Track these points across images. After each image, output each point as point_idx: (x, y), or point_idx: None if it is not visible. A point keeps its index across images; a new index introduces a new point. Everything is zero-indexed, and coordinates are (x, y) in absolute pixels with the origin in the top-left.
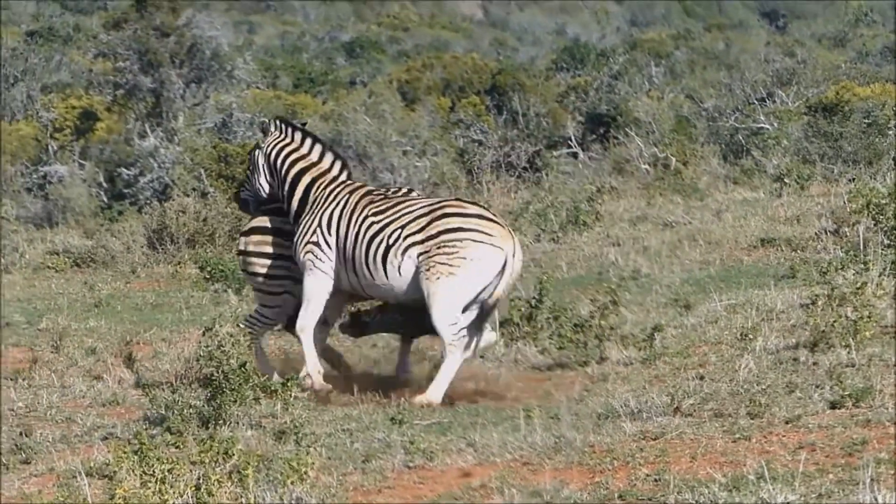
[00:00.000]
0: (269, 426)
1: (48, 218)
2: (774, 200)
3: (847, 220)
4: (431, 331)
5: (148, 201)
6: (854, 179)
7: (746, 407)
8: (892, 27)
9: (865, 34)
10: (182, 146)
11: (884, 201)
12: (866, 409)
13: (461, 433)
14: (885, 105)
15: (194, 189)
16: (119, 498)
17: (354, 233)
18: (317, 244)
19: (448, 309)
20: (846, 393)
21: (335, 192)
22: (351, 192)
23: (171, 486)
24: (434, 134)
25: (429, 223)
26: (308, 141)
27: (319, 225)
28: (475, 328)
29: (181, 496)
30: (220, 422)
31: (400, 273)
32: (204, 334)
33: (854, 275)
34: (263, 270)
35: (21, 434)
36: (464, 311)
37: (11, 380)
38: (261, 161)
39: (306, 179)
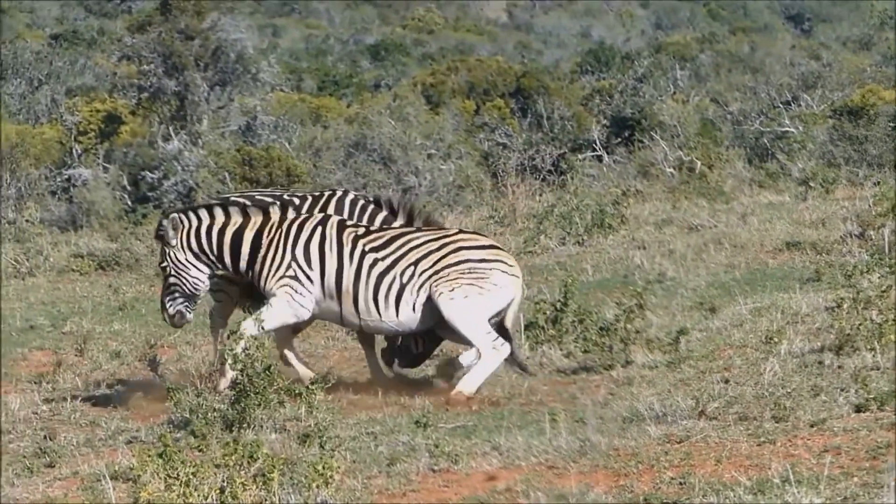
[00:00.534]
0: (294, 429)
1: (72, 221)
2: (799, 204)
3: (872, 223)
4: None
5: (172, 204)
6: (879, 183)
7: (771, 410)
8: None
9: (890, 37)
10: (206, 149)
11: None
12: (891, 412)
13: (486, 436)
14: None
15: (218, 192)
16: (143, 501)
17: (354, 269)
18: (294, 278)
19: (479, 321)
20: (871, 396)
21: (298, 228)
22: (321, 225)
23: (196, 490)
24: (458, 137)
25: (443, 257)
26: (219, 210)
27: (294, 260)
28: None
29: (205, 499)
30: (245, 425)
31: (414, 310)
32: (228, 337)
33: (879, 278)
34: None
35: (45, 437)
36: None
37: (35, 383)
38: (183, 257)
39: (248, 235)
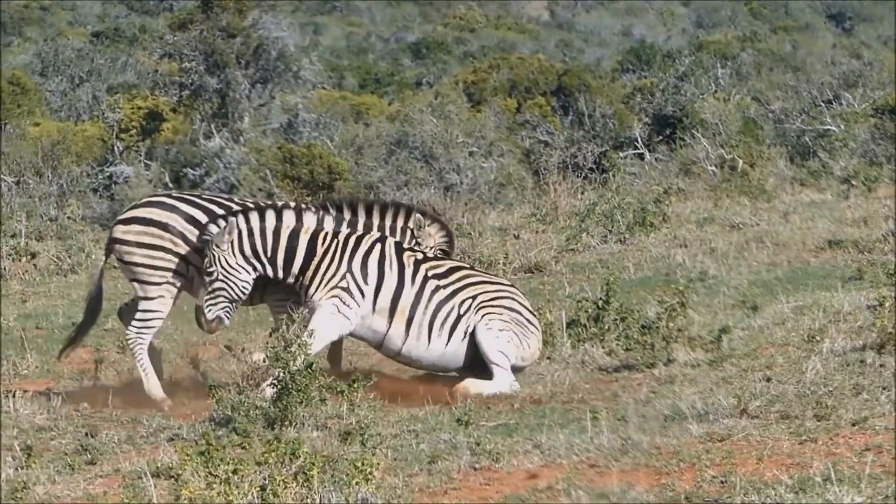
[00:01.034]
0: (335, 427)
1: (114, 218)
2: (841, 202)
3: None
4: None
5: None
6: None
7: (813, 409)
8: None
9: None
10: (247, 147)
11: None
12: None
13: (527, 434)
14: None
15: (260, 189)
16: (184, 499)
17: (415, 291)
18: (346, 290)
19: (508, 357)
20: None
21: (356, 242)
22: (380, 242)
23: (237, 487)
24: (500, 135)
25: (500, 299)
26: (271, 212)
27: (350, 272)
28: None
29: (246, 497)
30: (286, 423)
31: (462, 340)
32: (271, 335)
33: None
34: (146, 261)
35: (87, 435)
36: None
37: (77, 380)
38: (234, 261)
39: (304, 239)
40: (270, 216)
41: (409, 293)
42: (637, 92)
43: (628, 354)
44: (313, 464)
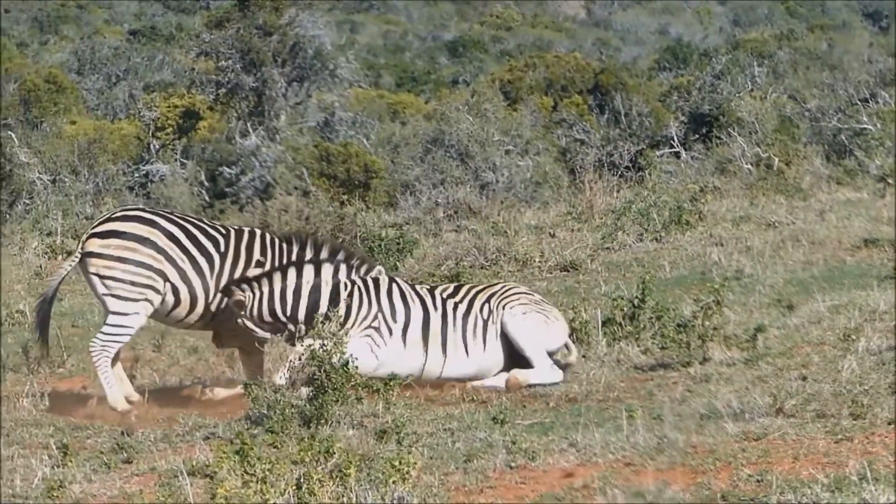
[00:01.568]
0: (371, 425)
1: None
2: (878, 201)
3: None
4: None
5: (249, 200)
6: None
7: (849, 408)
8: None
9: None
10: (284, 145)
11: None
12: None
13: (563, 433)
14: None
15: (296, 188)
16: (220, 497)
17: (440, 315)
18: (378, 330)
19: (542, 343)
20: None
21: (374, 283)
22: (393, 281)
23: (273, 486)
24: (536, 133)
25: (510, 294)
26: (292, 270)
27: (381, 311)
28: None
29: (282, 495)
30: (322, 421)
31: (497, 339)
32: (307, 333)
33: None
34: (126, 276)
35: (122, 433)
36: None
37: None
38: (253, 324)
39: (325, 290)
40: (292, 274)
41: (436, 318)
42: (673, 90)
43: (664, 353)
44: (349, 462)
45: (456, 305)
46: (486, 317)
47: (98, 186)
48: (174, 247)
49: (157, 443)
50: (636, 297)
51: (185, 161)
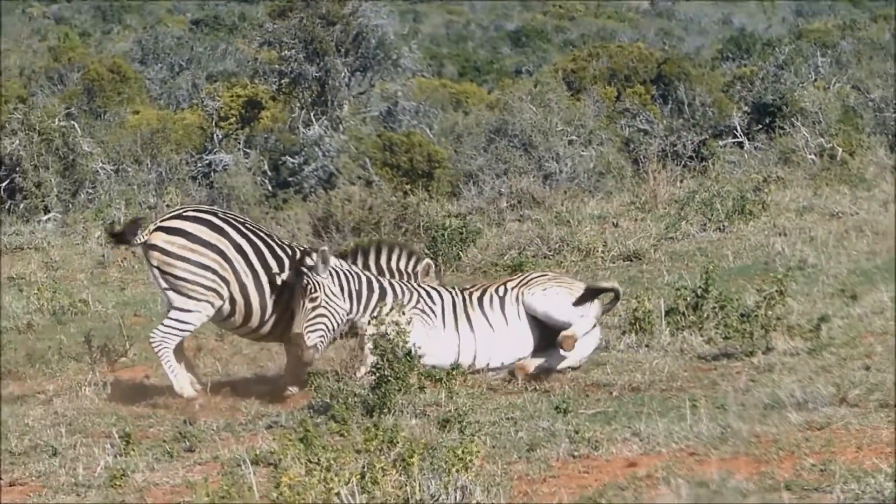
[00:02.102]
0: (434, 415)
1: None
2: None
3: None
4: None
5: (313, 189)
6: None
7: None
8: None
9: None
10: (347, 135)
11: None
12: None
13: (626, 423)
14: None
15: (359, 177)
16: (284, 486)
17: (460, 299)
18: (423, 311)
19: (570, 307)
20: None
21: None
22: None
23: (336, 475)
24: (600, 123)
25: (526, 277)
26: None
27: (420, 296)
28: None
29: (346, 484)
30: (385, 410)
31: (518, 317)
32: (370, 323)
33: None
34: (187, 276)
35: (185, 422)
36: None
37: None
38: (336, 289)
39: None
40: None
41: (458, 300)
42: (737, 80)
43: (727, 343)
44: (413, 451)
45: (471, 292)
46: (501, 294)
47: (161, 176)
48: (240, 259)
49: (220, 432)
50: (699, 286)
51: (248, 151)
